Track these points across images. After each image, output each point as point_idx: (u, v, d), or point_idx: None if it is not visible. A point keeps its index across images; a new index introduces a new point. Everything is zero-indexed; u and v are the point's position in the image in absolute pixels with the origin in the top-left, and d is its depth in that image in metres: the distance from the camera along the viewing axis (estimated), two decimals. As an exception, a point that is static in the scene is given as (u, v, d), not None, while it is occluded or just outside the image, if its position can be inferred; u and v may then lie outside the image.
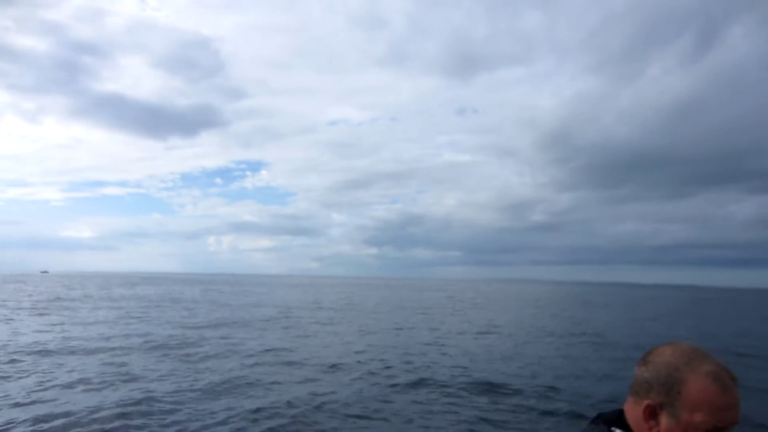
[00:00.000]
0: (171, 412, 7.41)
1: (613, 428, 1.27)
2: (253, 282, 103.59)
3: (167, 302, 32.91)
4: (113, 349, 12.81)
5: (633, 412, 1.28)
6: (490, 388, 9.46)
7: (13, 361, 10.92)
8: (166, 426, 6.79)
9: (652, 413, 1.24)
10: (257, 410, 7.54)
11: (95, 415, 7.11)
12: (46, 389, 8.56)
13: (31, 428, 6.59)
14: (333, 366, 11.28)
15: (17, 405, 7.60)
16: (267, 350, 13.38)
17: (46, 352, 12.12)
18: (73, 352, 12.20)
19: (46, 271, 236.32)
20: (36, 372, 9.88)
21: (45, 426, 6.68)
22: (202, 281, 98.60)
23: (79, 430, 6.59)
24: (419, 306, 35.50)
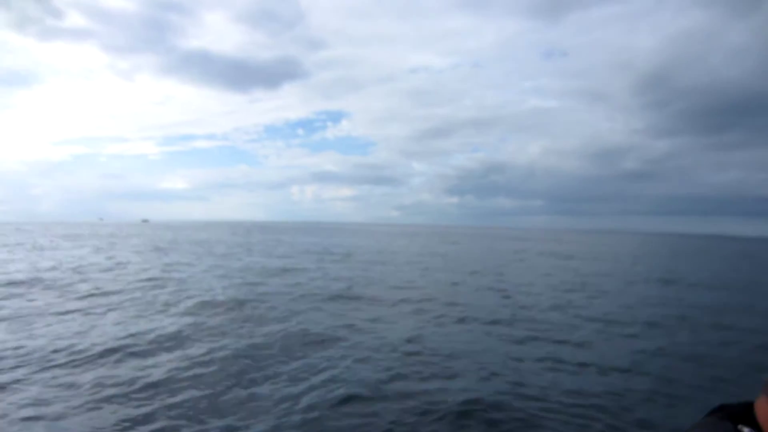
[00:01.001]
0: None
1: (740, 426, 1.15)
2: (351, 231, 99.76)
3: (324, 248, 33.21)
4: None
5: (765, 411, 1.15)
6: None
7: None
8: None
9: None
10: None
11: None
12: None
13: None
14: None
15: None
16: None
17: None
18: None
19: (146, 220, 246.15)
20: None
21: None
22: (304, 230, 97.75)
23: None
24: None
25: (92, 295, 11.83)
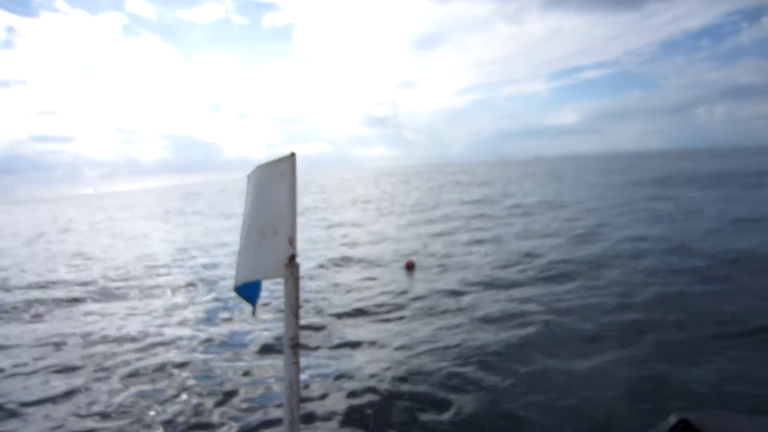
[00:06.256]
0: None
1: None
2: None
3: None
4: None
5: None
6: None
7: None
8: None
9: None
10: None
11: None
12: None
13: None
14: None
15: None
16: None
17: None
18: None
19: (539, 156, 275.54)
20: None
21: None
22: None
23: None
24: None
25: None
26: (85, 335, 6.12)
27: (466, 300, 6.64)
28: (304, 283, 8.15)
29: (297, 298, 1.13)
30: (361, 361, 4.79)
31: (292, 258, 1.12)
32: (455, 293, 6.99)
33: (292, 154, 1.16)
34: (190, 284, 8.61)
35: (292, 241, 1.13)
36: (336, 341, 5.38)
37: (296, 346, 1.13)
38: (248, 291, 1.29)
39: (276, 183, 1.17)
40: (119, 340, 5.84)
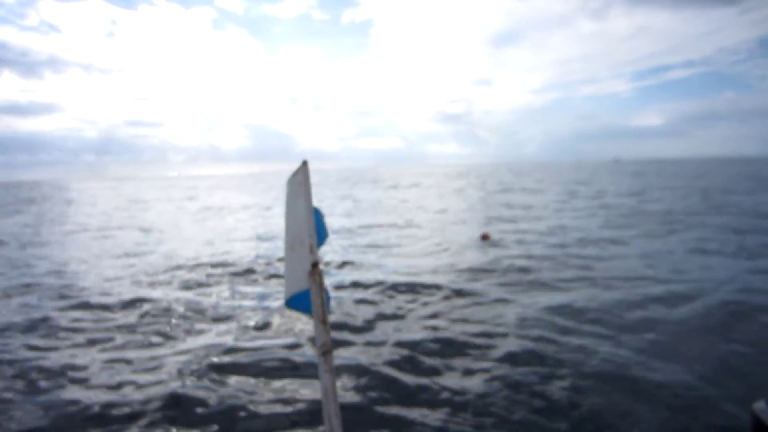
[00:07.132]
0: None
1: None
2: None
3: None
4: None
5: None
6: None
7: None
8: None
9: None
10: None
11: None
12: None
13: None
14: None
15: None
16: None
17: None
18: None
19: (618, 159, 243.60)
20: None
21: None
22: None
23: None
24: None
25: None
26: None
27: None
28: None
29: (323, 305, 1.12)
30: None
31: (315, 265, 1.12)
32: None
33: (304, 163, 1.17)
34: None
35: (312, 249, 1.13)
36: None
37: (328, 353, 1.12)
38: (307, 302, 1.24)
39: (297, 194, 1.18)
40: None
